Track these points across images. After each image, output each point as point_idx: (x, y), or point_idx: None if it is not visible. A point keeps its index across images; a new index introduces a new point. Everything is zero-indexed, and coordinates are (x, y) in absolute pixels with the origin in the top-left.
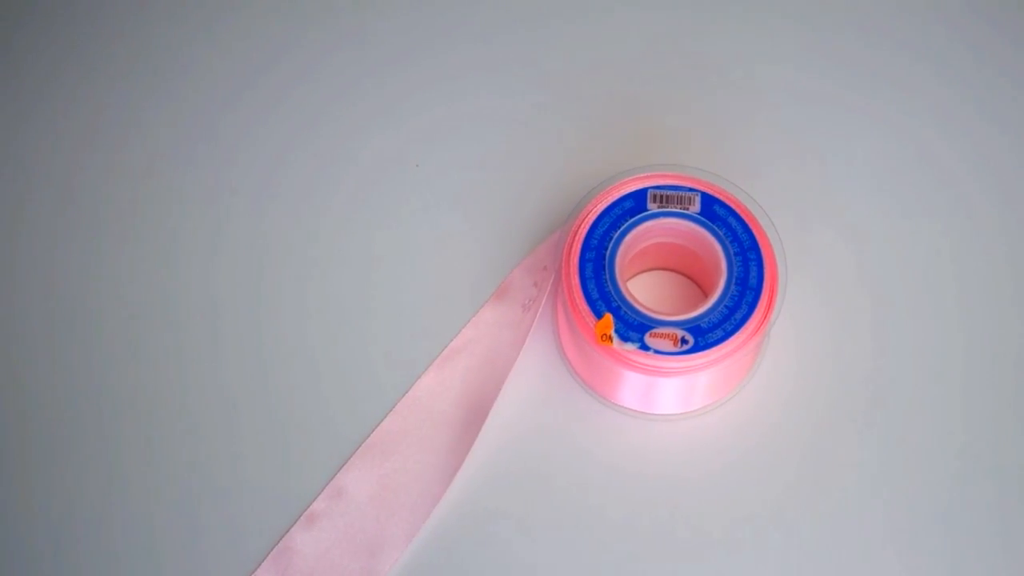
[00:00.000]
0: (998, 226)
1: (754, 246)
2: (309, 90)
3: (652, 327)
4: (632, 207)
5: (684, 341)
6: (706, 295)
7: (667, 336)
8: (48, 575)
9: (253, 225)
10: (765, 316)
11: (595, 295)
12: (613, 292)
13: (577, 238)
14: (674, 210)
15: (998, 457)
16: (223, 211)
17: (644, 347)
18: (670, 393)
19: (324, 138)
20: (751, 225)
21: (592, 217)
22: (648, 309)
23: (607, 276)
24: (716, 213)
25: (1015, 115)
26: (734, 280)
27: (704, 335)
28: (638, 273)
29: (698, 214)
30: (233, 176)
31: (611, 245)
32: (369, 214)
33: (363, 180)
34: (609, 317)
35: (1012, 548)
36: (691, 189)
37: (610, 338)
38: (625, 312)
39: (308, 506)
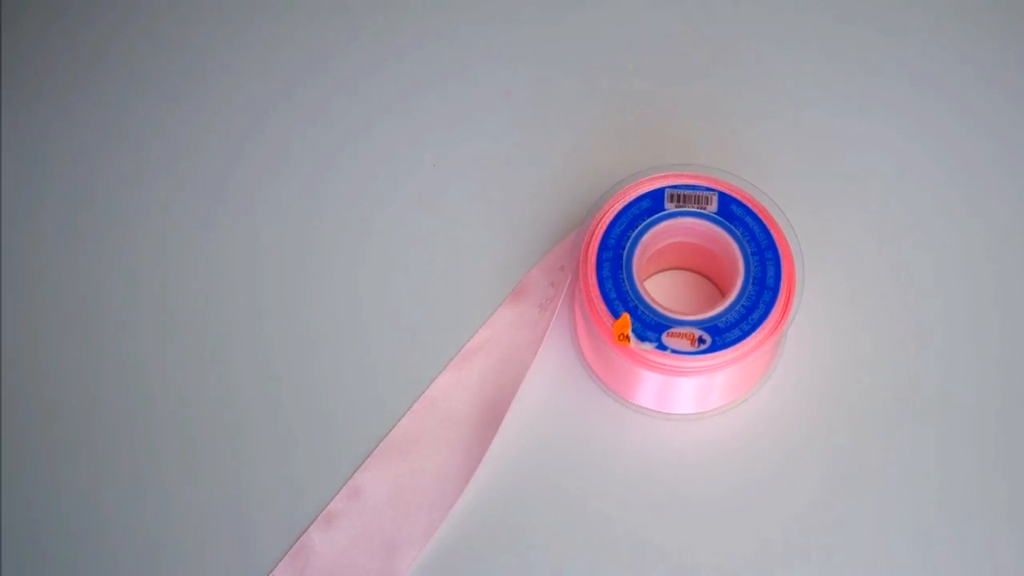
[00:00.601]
0: (1021, 223)
1: (771, 246)
2: (331, 93)
3: (669, 327)
4: (649, 207)
5: (701, 341)
6: (723, 295)
7: (684, 336)
8: (66, 572)
9: (275, 227)
10: (782, 316)
11: (612, 295)
12: (630, 292)
13: (594, 238)
14: (691, 209)
15: (1017, 454)
16: (248, 216)
17: (661, 347)
18: (687, 393)
19: (345, 141)
20: (768, 225)
21: (609, 217)
22: (665, 309)
23: (624, 276)
24: (733, 213)
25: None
26: (751, 280)
27: (721, 335)
28: (655, 273)
29: (715, 213)
30: (257, 180)
31: (628, 245)
32: (387, 214)
33: (382, 181)
34: (626, 317)
35: None
36: (708, 189)
37: (627, 338)
38: (642, 312)
39: (326, 506)
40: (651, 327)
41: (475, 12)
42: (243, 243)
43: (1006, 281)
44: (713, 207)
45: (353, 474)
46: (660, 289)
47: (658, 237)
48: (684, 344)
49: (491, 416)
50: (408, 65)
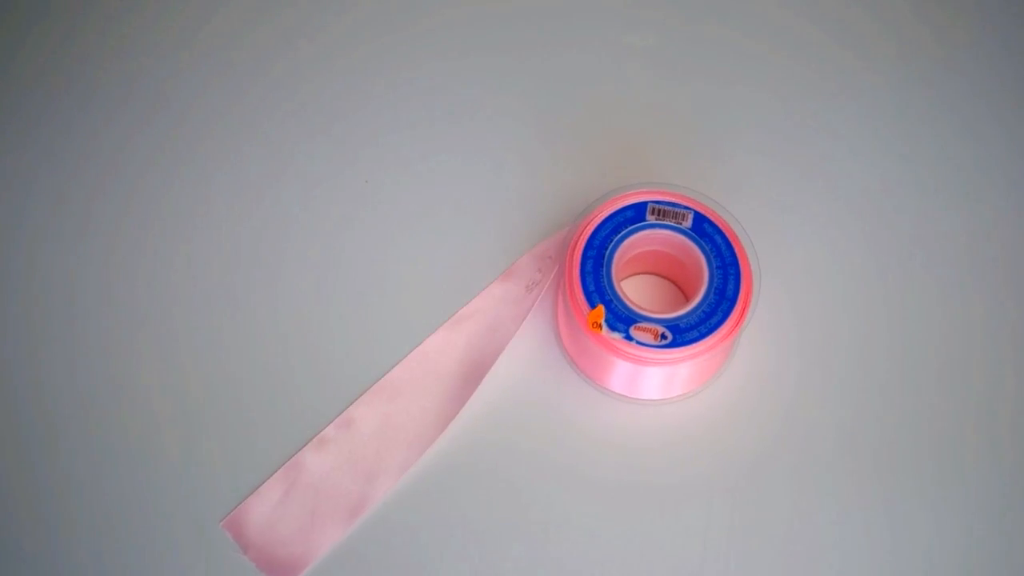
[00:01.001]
0: (962, 261)
1: (734, 262)
2: (358, 101)
3: (637, 321)
4: (633, 216)
5: (664, 336)
6: (687, 300)
7: (649, 331)
8: (73, 483)
9: (316, 201)
10: (737, 323)
11: (591, 287)
12: (607, 287)
13: (582, 237)
14: (669, 223)
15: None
16: (294, 186)
17: (628, 337)
18: (643, 379)
19: (392, 161)
20: (734, 244)
21: (597, 221)
22: (636, 305)
23: (604, 273)
24: (705, 230)
25: (986, 140)
26: (713, 289)
27: (682, 333)
28: (632, 275)
29: (689, 229)
30: (294, 164)
31: (611, 247)
32: (411, 204)
33: (415, 180)
34: (601, 308)
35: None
36: (686, 207)
37: (600, 326)
38: (616, 305)
39: (321, 431)
40: (621, 319)
41: (505, 52)
42: (290, 208)
43: (942, 311)
44: (688, 223)
45: (348, 407)
46: (634, 289)
47: (637, 244)
48: (648, 338)
49: (472, 375)
50: (434, 92)
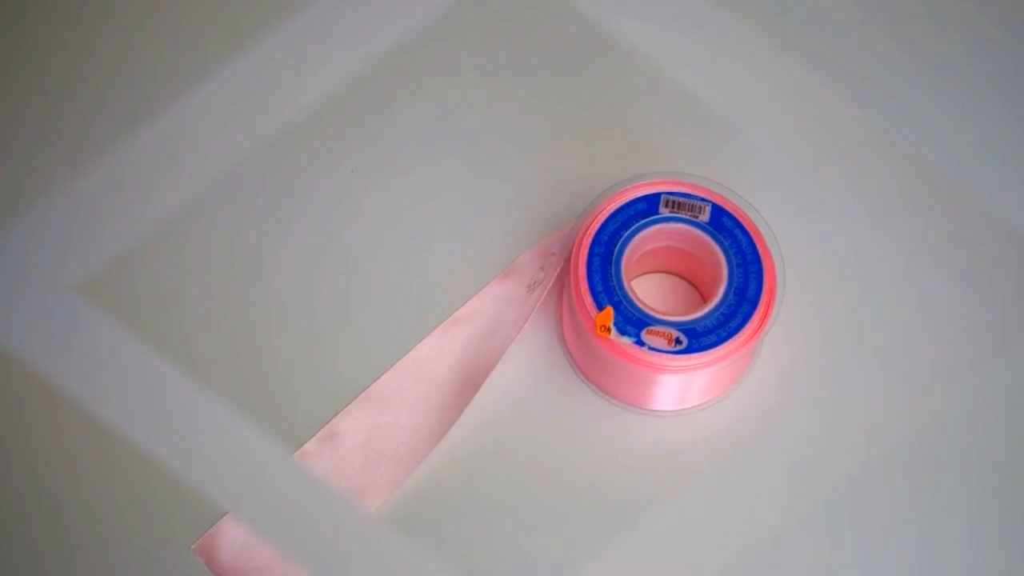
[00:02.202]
0: (1002, 260)
1: (756, 259)
2: (366, 96)
3: (649, 324)
4: (644, 209)
5: (678, 341)
6: (705, 301)
7: (663, 335)
8: (68, 476)
9: (296, 191)
10: (759, 326)
11: (599, 288)
12: (616, 287)
13: (589, 232)
14: (684, 216)
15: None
16: (291, 185)
17: (639, 342)
18: (657, 389)
19: (391, 152)
20: (756, 239)
21: (605, 214)
22: (648, 307)
23: (612, 271)
24: (724, 224)
25: (1016, 150)
26: (733, 289)
27: (699, 338)
28: (643, 273)
29: (707, 223)
30: (301, 159)
31: (620, 243)
32: (408, 200)
33: (413, 181)
34: (610, 310)
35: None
36: (703, 199)
37: (608, 330)
38: (625, 307)
39: (301, 446)
40: (632, 323)
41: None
42: (263, 196)
43: (981, 314)
44: (705, 217)
45: (331, 419)
46: (645, 289)
47: (649, 239)
48: (661, 342)
49: (468, 384)
50: (436, 80)
